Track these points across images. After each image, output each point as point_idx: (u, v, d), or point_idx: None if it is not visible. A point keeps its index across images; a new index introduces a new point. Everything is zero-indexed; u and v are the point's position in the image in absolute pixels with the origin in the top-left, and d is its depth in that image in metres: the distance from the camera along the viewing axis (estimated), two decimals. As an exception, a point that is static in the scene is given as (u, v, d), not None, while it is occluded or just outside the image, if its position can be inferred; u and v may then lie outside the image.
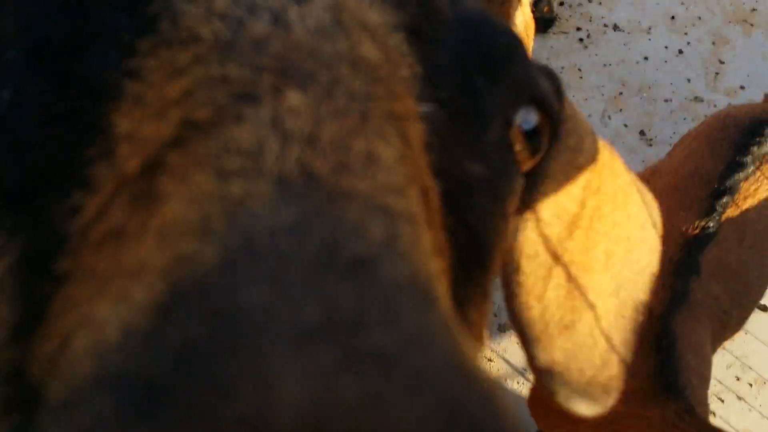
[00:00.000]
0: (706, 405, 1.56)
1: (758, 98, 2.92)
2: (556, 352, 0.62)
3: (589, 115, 2.83)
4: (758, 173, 1.75)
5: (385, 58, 0.38)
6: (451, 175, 0.42)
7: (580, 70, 2.96)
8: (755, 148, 1.75)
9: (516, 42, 0.50)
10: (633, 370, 1.52)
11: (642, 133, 2.78)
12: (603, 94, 2.90)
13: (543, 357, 0.62)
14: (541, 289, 0.61)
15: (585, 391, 0.64)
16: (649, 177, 1.89)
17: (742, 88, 2.91)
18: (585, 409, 0.64)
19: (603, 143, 0.68)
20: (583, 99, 2.88)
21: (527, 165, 0.52)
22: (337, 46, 0.35)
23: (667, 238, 1.76)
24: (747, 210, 1.73)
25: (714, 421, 2.19)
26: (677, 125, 2.81)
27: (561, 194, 0.60)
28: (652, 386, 1.45)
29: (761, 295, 1.83)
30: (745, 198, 1.74)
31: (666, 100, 2.88)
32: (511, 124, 0.50)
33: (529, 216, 0.60)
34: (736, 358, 2.29)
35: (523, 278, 0.60)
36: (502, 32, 0.48)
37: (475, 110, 0.45)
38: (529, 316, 0.61)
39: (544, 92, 0.52)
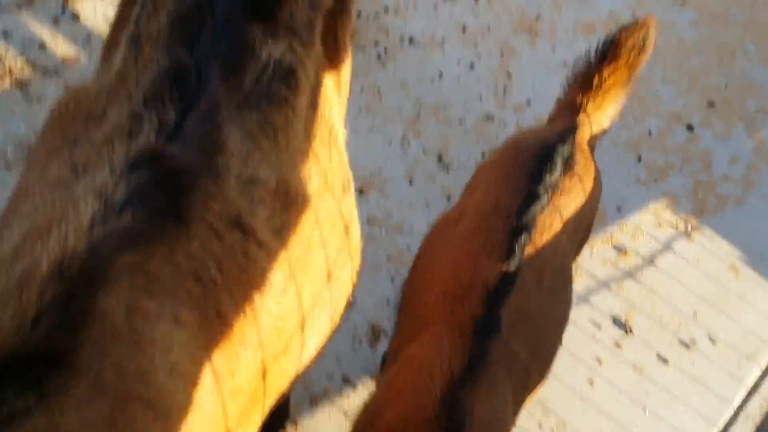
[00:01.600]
0: None
1: (544, 113, 3.09)
2: None
3: (390, 142, 2.88)
4: (551, 204, 1.70)
5: None
6: None
7: (379, 91, 2.99)
8: (547, 176, 1.71)
9: None
10: None
11: (440, 158, 2.88)
12: (402, 117, 2.95)
13: None
14: None
15: None
16: (459, 218, 1.79)
17: (528, 104, 3.07)
18: None
19: None
20: (383, 122, 2.92)
21: None
22: None
23: (470, 294, 1.73)
24: (543, 247, 1.67)
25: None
26: (471, 147, 2.93)
27: None
28: None
29: (558, 340, 1.78)
30: (542, 234, 1.67)
31: (460, 121, 2.98)
32: None
33: None
34: (537, 401, 2.43)
35: None
36: None
37: None
38: None
39: None
